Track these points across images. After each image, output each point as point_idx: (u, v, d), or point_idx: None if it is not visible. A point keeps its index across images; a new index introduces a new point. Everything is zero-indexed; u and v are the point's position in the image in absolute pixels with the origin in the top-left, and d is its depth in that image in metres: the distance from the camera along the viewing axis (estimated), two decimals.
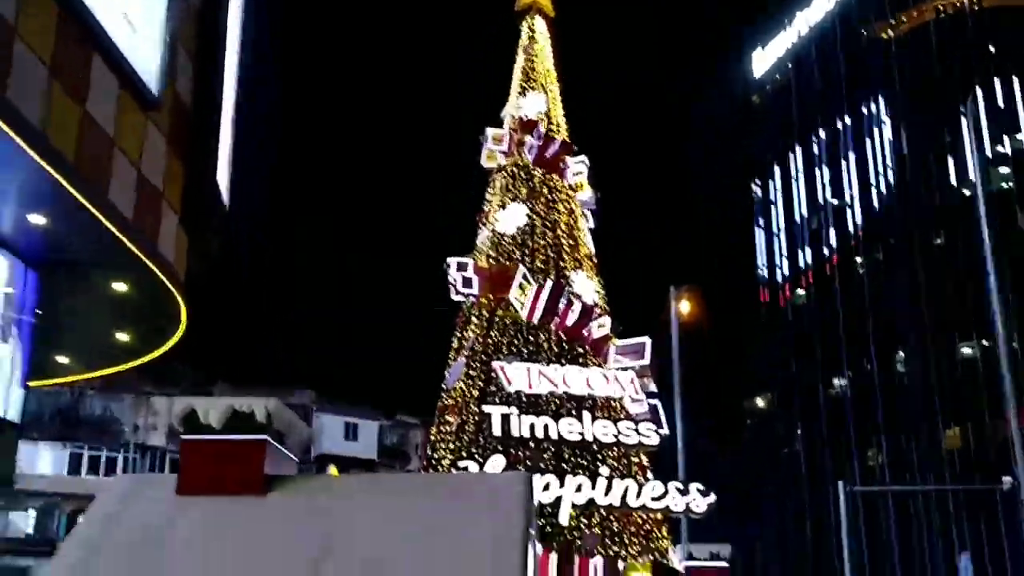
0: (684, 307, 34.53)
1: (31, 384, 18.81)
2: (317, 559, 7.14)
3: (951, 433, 77.31)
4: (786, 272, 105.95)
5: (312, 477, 8.78)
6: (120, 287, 17.81)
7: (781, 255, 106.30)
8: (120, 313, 19.03)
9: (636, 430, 13.09)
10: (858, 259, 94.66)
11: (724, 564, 17.14)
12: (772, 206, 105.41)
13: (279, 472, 8.20)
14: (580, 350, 14.27)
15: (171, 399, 50.14)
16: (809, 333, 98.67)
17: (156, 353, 21.12)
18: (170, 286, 17.68)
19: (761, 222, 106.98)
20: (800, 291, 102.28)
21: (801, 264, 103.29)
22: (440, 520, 7.53)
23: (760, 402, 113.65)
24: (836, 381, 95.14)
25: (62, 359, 21.25)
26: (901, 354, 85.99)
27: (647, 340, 14.28)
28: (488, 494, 8.00)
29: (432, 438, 14.10)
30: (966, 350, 74.43)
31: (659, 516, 13.70)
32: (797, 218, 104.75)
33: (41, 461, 48.53)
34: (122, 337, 20.29)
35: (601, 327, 14.20)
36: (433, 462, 12.86)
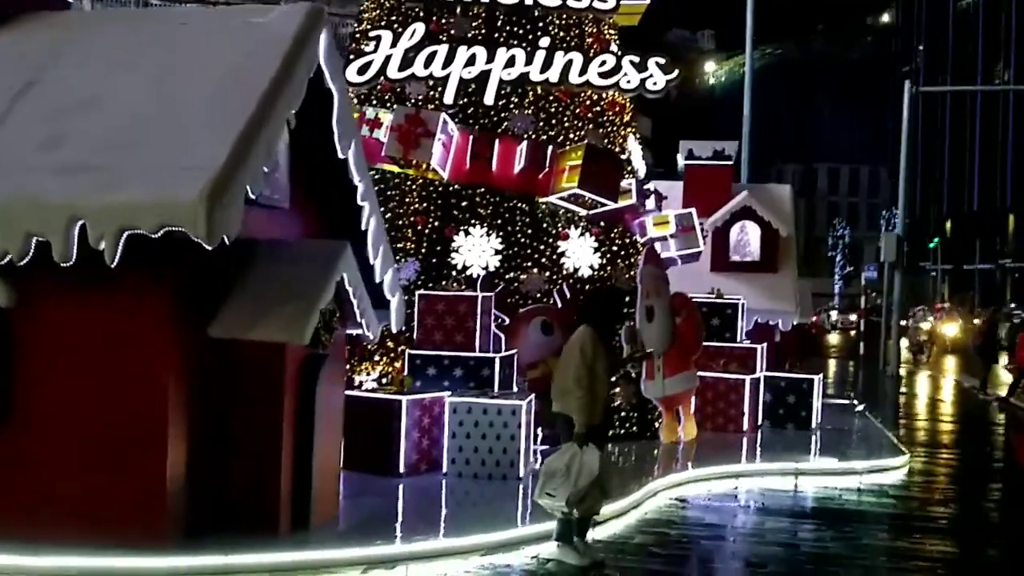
0: None
1: None
2: (17, 94, 5.99)
3: None
4: None
5: (65, 13, 7.28)
6: None
7: None
8: None
9: None
10: None
11: (728, 163, 15.41)
12: None
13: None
14: None
15: None
16: None
17: None
18: None
19: None
20: None
21: None
22: (188, 54, 6.19)
23: (886, 17, 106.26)
24: None
25: None
26: None
27: None
28: (259, 28, 6.39)
29: (362, 13, 12.15)
30: None
31: (615, 96, 11.81)
32: None
33: None
34: None
35: None
36: (356, 36, 11.09)
